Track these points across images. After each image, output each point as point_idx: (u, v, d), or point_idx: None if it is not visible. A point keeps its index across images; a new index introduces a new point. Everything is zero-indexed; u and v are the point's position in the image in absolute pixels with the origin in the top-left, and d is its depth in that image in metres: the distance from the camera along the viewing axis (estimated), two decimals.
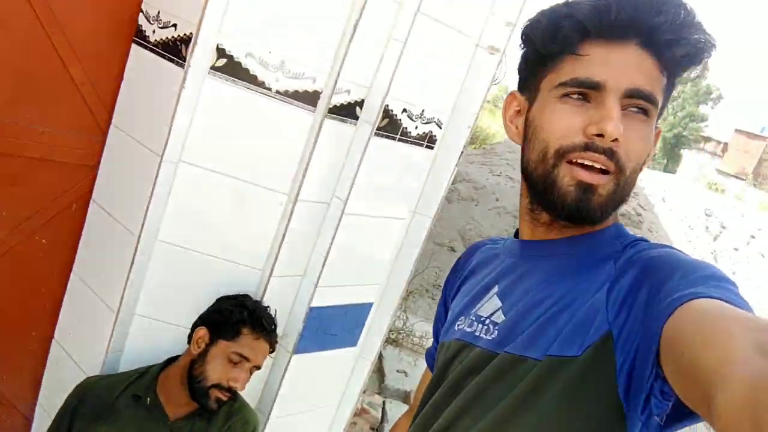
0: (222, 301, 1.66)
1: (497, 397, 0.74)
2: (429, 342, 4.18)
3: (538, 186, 0.77)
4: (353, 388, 2.27)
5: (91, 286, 1.76)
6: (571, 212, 0.74)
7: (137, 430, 1.53)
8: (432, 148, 1.93)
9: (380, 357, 3.85)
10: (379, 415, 3.27)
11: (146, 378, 1.59)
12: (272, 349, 1.63)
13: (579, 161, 0.73)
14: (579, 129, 0.73)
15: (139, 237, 1.61)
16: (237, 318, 1.58)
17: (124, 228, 1.65)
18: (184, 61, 1.51)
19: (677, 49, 0.72)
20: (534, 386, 0.71)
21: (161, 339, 1.72)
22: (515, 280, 0.83)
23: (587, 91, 0.73)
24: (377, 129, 1.72)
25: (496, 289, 0.86)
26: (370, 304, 2.04)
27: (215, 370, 1.52)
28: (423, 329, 4.31)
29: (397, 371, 3.82)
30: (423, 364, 4.05)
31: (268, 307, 1.69)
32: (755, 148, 29.38)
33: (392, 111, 1.74)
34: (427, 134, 1.88)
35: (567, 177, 0.74)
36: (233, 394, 1.56)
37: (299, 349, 1.84)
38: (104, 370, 1.69)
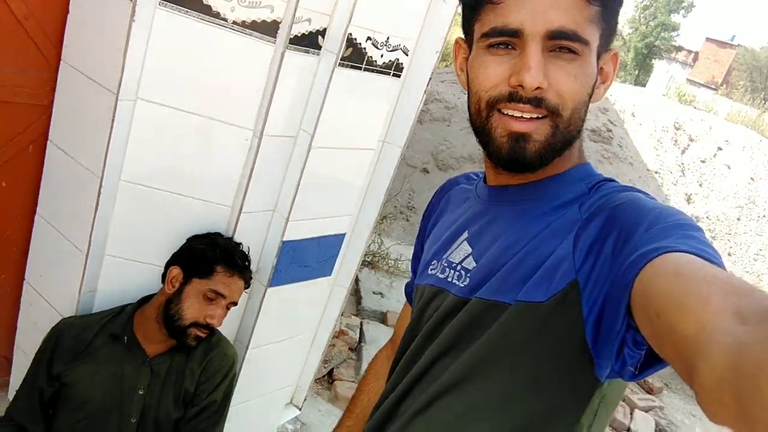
0: (194, 239, 1.66)
1: (472, 340, 0.77)
2: (404, 264, 4.27)
3: (481, 138, 0.78)
4: (330, 315, 2.33)
5: (58, 227, 1.73)
6: (507, 163, 0.75)
7: (117, 367, 1.56)
8: (399, 76, 1.88)
9: (357, 279, 3.92)
10: (357, 336, 3.37)
11: (122, 317, 1.60)
12: (247, 285, 1.65)
13: (508, 112, 0.73)
14: (504, 79, 0.73)
15: (102, 178, 1.57)
16: (210, 256, 1.58)
17: (86, 169, 1.61)
18: None
19: None
20: (505, 330, 0.73)
21: (134, 278, 1.72)
22: (484, 226, 0.84)
23: (510, 39, 0.72)
24: (341, 59, 1.67)
25: (465, 234, 0.86)
26: (343, 235, 2.06)
27: (191, 308, 1.53)
28: (398, 251, 4.38)
29: (374, 293, 3.91)
30: (399, 285, 4.15)
31: (240, 244, 1.69)
32: (725, 57, 29.35)
33: (356, 40, 1.69)
34: (393, 62, 1.83)
35: (499, 128, 0.74)
36: (211, 330, 1.58)
37: (274, 282, 1.86)
38: (79, 311, 1.70)
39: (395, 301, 3.88)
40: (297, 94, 1.70)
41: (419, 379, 0.84)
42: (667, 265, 0.55)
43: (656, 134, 6.97)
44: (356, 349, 3.28)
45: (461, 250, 0.85)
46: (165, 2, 1.47)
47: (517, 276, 0.73)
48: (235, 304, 1.61)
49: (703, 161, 7.05)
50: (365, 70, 1.76)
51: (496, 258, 0.78)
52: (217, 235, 1.68)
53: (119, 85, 1.49)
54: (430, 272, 0.90)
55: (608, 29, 0.74)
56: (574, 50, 0.71)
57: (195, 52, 1.55)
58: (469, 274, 0.81)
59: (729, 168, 7.09)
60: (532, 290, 0.71)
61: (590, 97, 0.75)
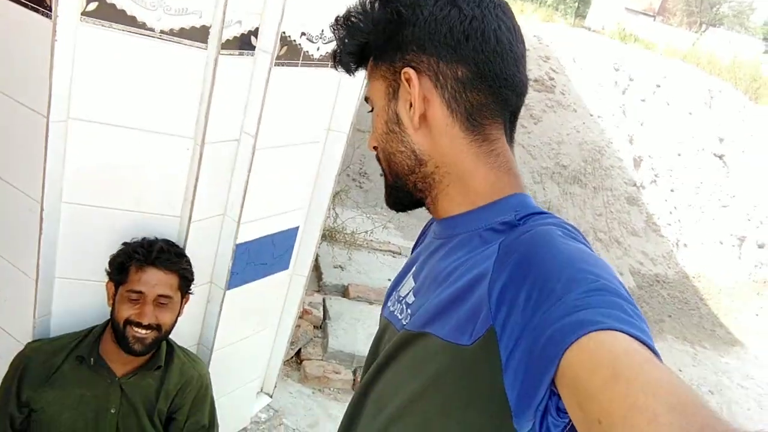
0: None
1: (406, 374, 0.77)
2: (361, 236, 4.30)
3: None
4: (292, 304, 2.36)
5: (3, 255, 1.69)
6: None
7: (85, 390, 1.56)
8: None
9: (315, 255, 3.94)
10: (321, 314, 3.41)
11: (89, 339, 1.60)
12: (177, 273, 1.59)
13: None
14: None
15: (42, 202, 1.54)
16: (120, 261, 1.58)
17: (25, 195, 1.56)
18: (51, 10, 1.37)
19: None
20: (434, 369, 0.72)
21: (89, 297, 1.71)
22: (426, 259, 0.84)
23: None
24: (277, 58, 1.64)
25: (414, 268, 0.87)
26: (297, 228, 2.06)
27: (120, 312, 1.54)
28: (355, 223, 4.39)
29: (333, 267, 3.94)
30: (358, 257, 4.19)
31: (154, 238, 1.65)
32: None
33: (290, 37, 1.66)
34: (330, 54, 1.81)
35: None
36: (152, 329, 1.55)
37: (231, 284, 1.87)
38: (36, 335, 1.68)
39: (355, 273, 3.92)
40: (235, 98, 1.67)
41: (367, 406, 0.85)
42: (602, 357, 0.54)
43: (597, 77, 7.07)
44: (321, 326, 3.33)
45: (407, 284, 0.86)
46: (87, 17, 1.41)
47: (445, 314, 0.72)
48: (167, 296, 1.56)
49: (643, 100, 7.21)
50: (303, 65, 1.74)
51: (426, 290, 0.78)
52: (142, 240, 1.64)
53: (48, 107, 1.45)
54: (389, 304, 0.90)
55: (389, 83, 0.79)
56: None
57: (124, 65, 1.50)
58: (409, 309, 0.82)
59: (668, 104, 7.29)
60: (458, 332, 0.69)
61: (404, 129, 0.78)
